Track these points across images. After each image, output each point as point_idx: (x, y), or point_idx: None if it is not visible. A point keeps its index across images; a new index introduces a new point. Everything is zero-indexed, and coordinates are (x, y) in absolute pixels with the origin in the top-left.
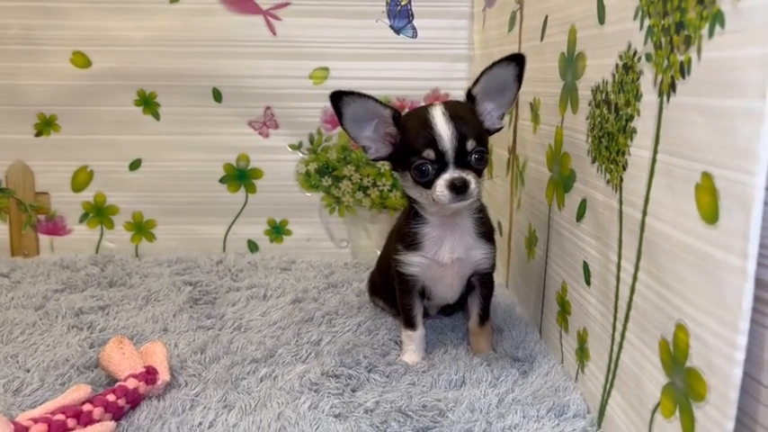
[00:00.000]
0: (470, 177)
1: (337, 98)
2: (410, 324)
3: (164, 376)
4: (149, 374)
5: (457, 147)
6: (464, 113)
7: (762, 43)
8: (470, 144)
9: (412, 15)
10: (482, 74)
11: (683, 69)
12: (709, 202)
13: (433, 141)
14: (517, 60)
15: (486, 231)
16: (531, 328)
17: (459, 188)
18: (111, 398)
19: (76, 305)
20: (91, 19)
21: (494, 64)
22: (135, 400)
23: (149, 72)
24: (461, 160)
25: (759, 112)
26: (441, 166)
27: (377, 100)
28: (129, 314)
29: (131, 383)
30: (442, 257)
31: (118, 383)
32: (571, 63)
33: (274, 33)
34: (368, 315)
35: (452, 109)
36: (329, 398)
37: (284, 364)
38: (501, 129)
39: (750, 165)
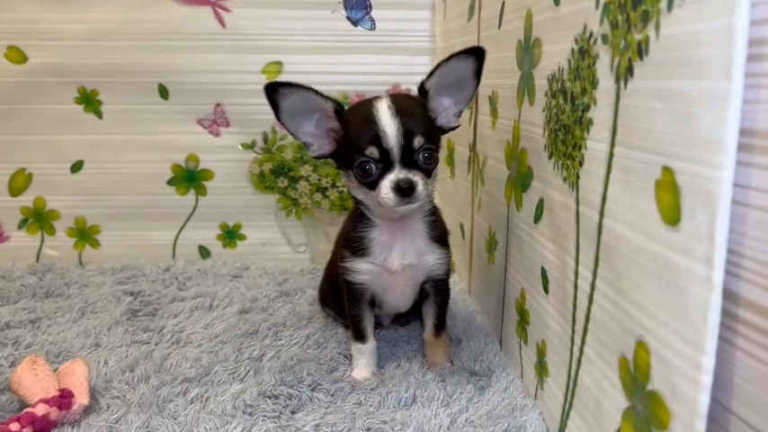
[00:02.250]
0: (418, 178)
1: (272, 90)
2: (360, 336)
3: (81, 400)
4: (63, 398)
5: (403, 144)
6: (412, 108)
7: (725, 13)
8: (418, 141)
9: (370, 6)
10: (437, 67)
11: (641, 49)
12: (670, 201)
13: (376, 138)
14: (476, 54)
15: (439, 235)
16: (492, 338)
17: (404, 190)
18: (14, 427)
19: (4, 319)
20: (26, 11)
21: (451, 57)
22: (44, 427)
23: (90, 68)
24: (408, 159)
25: (724, 94)
26: (386, 165)
27: (318, 92)
28: (60, 328)
29: (41, 409)
30: (392, 264)
31: (25, 410)
32: (528, 50)
33: (223, 25)
34: (318, 326)
35: (399, 103)
36: (264, 422)
37: (219, 384)
38: (456, 127)
39: (714, 156)
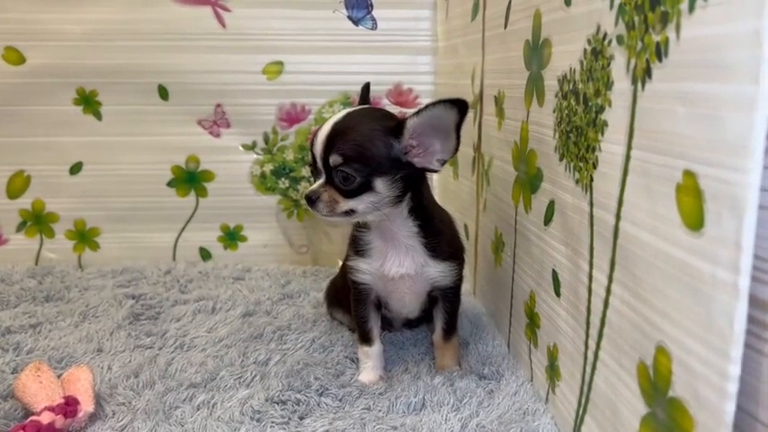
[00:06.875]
0: (327, 194)
1: None
2: (366, 338)
3: (86, 407)
4: (69, 406)
5: (323, 158)
6: (353, 128)
7: (753, 15)
8: (333, 160)
9: (371, 5)
10: (426, 106)
11: (660, 51)
12: (692, 206)
13: (312, 144)
14: (459, 107)
15: (443, 250)
16: (499, 341)
17: (308, 199)
18: None
19: (4, 324)
20: (24, 11)
21: (438, 102)
22: None
23: (89, 68)
24: (329, 175)
25: (751, 98)
26: (317, 174)
27: None
28: (61, 333)
29: (46, 417)
30: (388, 271)
31: (30, 418)
32: (536, 51)
33: (224, 25)
34: (323, 329)
35: (347, 120)
36: (272, 428)
37: (225, 389)
38: (435, 171)
39: (741, 161)
